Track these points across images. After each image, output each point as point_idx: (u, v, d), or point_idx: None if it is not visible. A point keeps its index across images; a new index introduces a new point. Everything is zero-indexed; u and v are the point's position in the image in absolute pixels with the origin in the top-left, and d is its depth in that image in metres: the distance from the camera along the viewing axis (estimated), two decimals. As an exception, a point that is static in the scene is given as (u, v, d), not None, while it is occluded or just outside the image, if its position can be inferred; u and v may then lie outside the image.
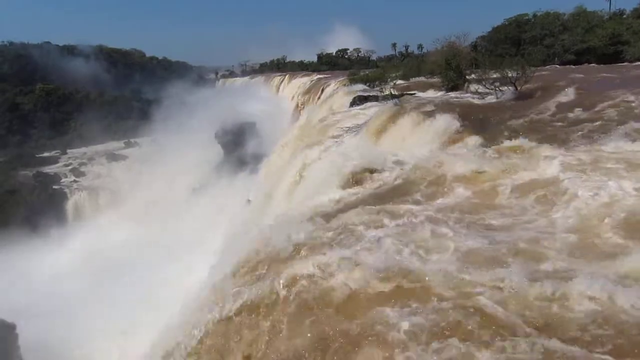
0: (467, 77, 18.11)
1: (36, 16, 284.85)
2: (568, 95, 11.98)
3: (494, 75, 14.73)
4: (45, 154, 53.97)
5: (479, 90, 15.43)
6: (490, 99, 14.11)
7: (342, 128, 16.32)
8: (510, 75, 14.02)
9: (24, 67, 66.25)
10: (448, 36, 23.61)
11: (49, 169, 48.35)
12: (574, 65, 25.70)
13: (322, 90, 35.40)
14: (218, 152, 40.03)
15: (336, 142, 14.40)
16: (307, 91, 40.62)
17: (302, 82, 47.67)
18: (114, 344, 17.86)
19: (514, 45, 30.41)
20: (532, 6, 76.13)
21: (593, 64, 24.93)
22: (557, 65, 26.62)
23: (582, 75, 16.65)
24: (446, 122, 10.84)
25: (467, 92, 16.65)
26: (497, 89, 14.41)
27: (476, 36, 34.86)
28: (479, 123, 10.77)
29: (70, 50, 76.12)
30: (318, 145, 14.51)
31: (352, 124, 16.48)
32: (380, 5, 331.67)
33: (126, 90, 68.20)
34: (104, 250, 30.37)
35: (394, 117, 12.97)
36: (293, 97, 44.83)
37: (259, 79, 71.87)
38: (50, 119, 61.07)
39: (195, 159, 40.52)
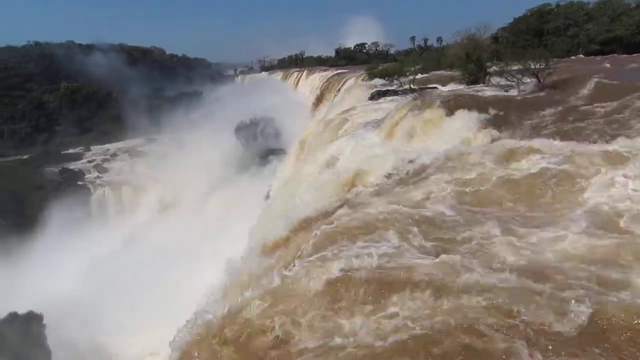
0: (488, 69, 17.78)
1: (56, 16, 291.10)
2: (595, 86, 11.63)
3: (516, 68, 14.43)
4: (70, 151, 55.28)
5: (501, 83, 15.17)
6: (513, 91, 13.82)
7: (360, 123, 16.22)
8: (532, 67, 13.70)
9: (49, 66, 67.64)
10: (468, 28, 23.07)
11: (74, 165, 49.60)
12: (599, 55, 24.93)
13: (341, 85, 35.24)
14: (237, 148, 40.36)
15: (354, 137, 14.32)
16: (325, 86, 40.50)
17: (320, 77, 47.54)
18: (140, 338, 18.31)
19: (537, 37, 29.65)
20: (555, -5, 73.86)
21: (620, 54, 24.14)
22: (582, 56, 25.89)
23: (609, 66, 16.17)
24: (468, 117, 10.66)
25: (488, 85, 16.36)
26: (519, 81, 14.11)
27: (497, 28, 34.13)
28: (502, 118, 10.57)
29: (91, 49, 77.41)
30: (335, 141, 14.48)
31: (371, 119, 16.35)
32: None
33: (147, 87, 68.95)
34: (128, 245, 31.04)
35: (413, 112, 12.82)
36: (311, 92, 44.80)
37: (278, 74, 72.03)
38: (74, 116, 62.39)
39: (215, 155, 40.92)
